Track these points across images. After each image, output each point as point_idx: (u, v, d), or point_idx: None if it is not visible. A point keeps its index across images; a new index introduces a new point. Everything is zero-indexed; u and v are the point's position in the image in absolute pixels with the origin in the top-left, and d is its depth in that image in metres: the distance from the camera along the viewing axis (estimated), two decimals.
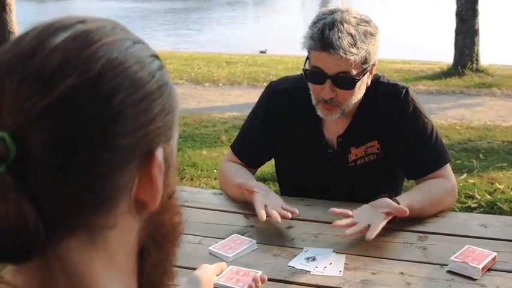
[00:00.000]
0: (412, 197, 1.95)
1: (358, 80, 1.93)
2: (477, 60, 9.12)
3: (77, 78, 0.58)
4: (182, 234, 0.75)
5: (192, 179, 4.83)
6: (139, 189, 0.65)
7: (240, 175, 2.16)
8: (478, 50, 9.09)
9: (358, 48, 1.87)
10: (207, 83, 9.25)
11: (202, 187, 4.53)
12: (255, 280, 1.50)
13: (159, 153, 0.66)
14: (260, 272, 1.60)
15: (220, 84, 9.16)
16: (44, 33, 0.62)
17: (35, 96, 0.57)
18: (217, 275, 1.57)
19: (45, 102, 0.57)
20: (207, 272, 1.47)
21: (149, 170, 0.65)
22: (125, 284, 0.68)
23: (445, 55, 9.58)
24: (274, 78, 2.38)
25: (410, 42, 12.99)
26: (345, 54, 1.85)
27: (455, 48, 9.15)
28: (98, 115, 0.59)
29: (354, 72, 1.92)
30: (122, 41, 0.64)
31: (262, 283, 1.52)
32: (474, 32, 9.04)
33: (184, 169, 5.02)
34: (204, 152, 5.52)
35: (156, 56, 0.69)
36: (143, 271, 0.71)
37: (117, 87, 0.61)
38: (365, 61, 1.92)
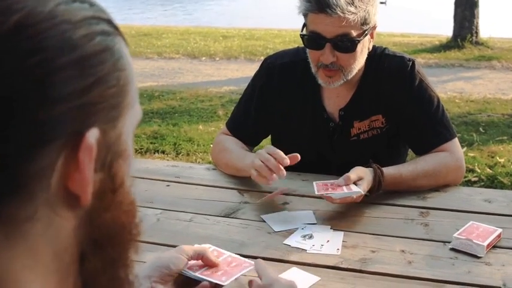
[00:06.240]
0: (401, 167, 1.90)
1: (359, 41, 1.86)
2: (477, 33, 9.04)
3: None
4: (137, 237, 0.64)
5: (188, 154, 4.78)
6: (68, 177, 0.55)
7: (241, 153, 2.07)
8: (477, 23, 9.01)
9: (356, 7, 1.79)
10: (204, 57, 9.18)
11: (199, 162, 4.47)
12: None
13: (92, 134, 0.55)
14: (249, 266, 1.27)
15: (217, 59, 9.09)
16: None
17: None
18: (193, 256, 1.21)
19: None
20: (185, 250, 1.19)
21: (76, 154, 0.55)
22: None
23: (445, 28, 9.49)
24: (272, 52, 2.28)
25: (409, 15, 12.88)
26: (343, 13, 1.78)
27: (455, 21, 9.06)
28: (9, 77, 0.50)
29: (354, 33, 1.84)
30: None
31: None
32: (474, 4, 8.94)
33: (180, 144, 4.97)
34: (201, 126, 5.46)
35: (107, 21, 0.59)
36: (83, 278, 0.61)
37: (37, 46, 0.51)
38: (364, 22, 1.84)
